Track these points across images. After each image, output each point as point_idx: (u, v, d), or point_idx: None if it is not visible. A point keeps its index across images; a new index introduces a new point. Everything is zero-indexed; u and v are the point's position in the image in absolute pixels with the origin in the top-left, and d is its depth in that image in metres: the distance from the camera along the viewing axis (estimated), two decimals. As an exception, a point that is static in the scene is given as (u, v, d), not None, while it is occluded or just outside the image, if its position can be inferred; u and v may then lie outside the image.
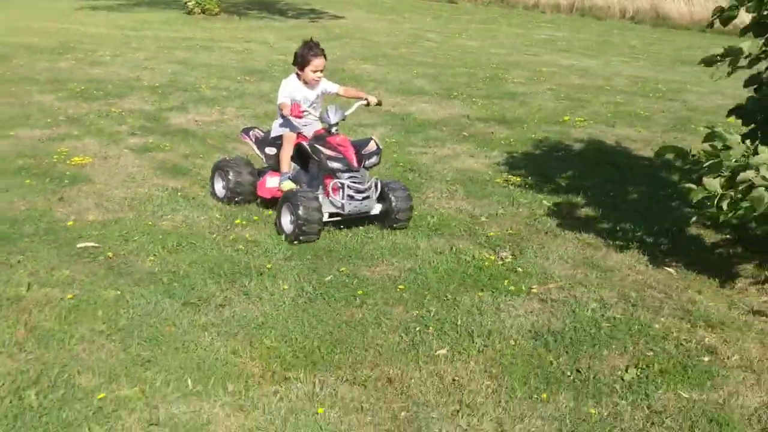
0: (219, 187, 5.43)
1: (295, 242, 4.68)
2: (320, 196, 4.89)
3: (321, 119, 5.05)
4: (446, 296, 4.04)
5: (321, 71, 5.16)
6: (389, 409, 3.01)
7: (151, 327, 3.56)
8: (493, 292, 4.09)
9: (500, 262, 4.49)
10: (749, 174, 3.75)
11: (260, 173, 5.41)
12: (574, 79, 11.08)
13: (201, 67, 10.83)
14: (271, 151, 5.30)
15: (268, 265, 4.34)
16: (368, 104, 5.27)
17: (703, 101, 9.68)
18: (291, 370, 3.25)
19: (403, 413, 3.00)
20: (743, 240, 4.86)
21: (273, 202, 5.13)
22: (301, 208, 4.65)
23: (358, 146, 4.95)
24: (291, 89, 5.14)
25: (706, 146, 3.93)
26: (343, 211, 4.85)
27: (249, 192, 5.35)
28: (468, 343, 3.53)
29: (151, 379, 3.14)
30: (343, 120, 4.98)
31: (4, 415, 2.87)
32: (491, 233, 4.97)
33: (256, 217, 5.13)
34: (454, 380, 3.24)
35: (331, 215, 4.89)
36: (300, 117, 4.98)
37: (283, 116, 5.11)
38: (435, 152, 6.98)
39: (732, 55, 4.29)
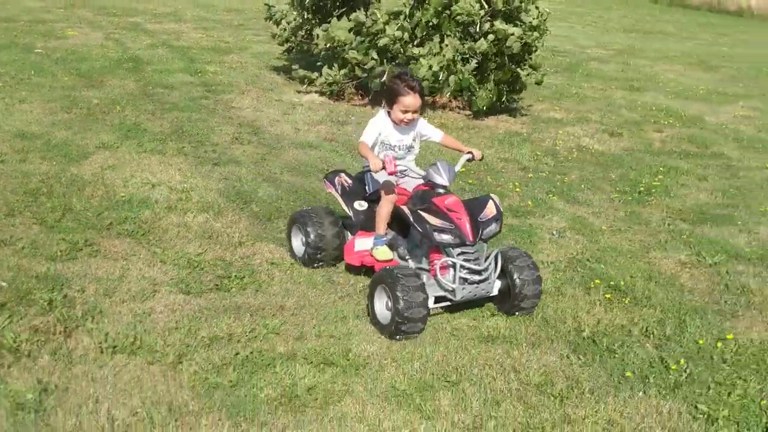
0: (297, 243, 4.72)
1: (395, 338, 3.88)
2: (425, 275, 4.09)
3: (427, 179, 4.21)
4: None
5: (414, 112, 4.29)
6: None
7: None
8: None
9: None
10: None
11: (346, 226, 4.67)
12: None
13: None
14: (361, 206, 4.48)
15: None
16: (473, 159, 4.47)
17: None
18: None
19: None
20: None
21: (362, 270, 4.53)
22: (401, 296, 3.80)
23: (473, 210, 4.11)
24: (381, 130, 4.32)
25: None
26: (455, 297, 4.04)
27: (333, 252, 4.59)
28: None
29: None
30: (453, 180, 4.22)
31: None
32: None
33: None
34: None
35: (437, 299, 4.07)
36: (394, 173, 4.13)
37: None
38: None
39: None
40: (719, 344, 4.13)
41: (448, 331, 4.11)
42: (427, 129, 4.53)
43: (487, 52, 8.13)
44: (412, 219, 4.02)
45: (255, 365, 3.58)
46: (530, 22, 8.14)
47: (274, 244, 4.97)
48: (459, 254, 4.03)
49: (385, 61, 8.11)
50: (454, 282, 4.00)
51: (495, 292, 4.18)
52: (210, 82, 9.47)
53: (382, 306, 3.99)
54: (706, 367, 3.90)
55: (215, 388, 3.38)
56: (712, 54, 16.57)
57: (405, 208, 4.12)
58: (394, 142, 4.37)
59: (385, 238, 4.39)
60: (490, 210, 4.14)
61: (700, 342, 4.16)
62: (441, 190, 4.14)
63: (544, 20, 8.60)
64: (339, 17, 9.41)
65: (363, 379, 3.56)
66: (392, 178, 4.30)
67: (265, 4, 9.42)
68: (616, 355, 3.96)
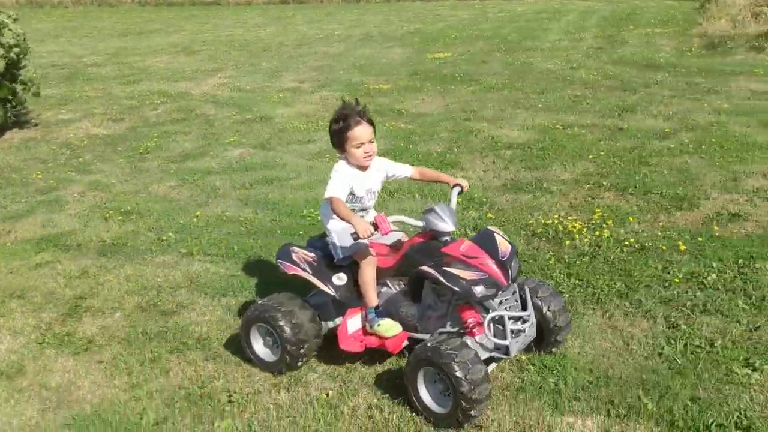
0: (258, 346, 3.89)
1: (463, 429, 3.30)
2: (469, 341, 3.46)
3: (427, 227, 3.59)
4: None
5: (370, 142, 3.69)
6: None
7: None
8: None
9: None
10: None
11: (317, 307, 3.88)
12: None
13: None
14: (340, 280, 3.80)
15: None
16: (462, 191, 3.91)
17: None
18: None
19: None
20: None
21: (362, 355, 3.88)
22: (462, 378, 3.18)
23: (489, 250, 3.54)
24: (348, 179, 3.69)
25: None
26: (508, 355, 3.47)
27: (315, 340, 3.81)
28: None
29: None
30: None
31: None
32: None
33: None
34: None
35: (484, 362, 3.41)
36: (388, 232, 3.46)
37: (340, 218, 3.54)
38: None
39: None
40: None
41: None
42: (395, 168, 3.94)
43: (-24, 74, 9.15)
44: (443, 279, 3.38)
45: None
46: (8, 43, 9.36)
47: None
48: (499, 304, 3.54)
49: None
50: (504, 338, 3.44)
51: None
52: None
53: (426, 392, 3.37)
54: (190, 233, 6.12)
55: None
56: (195, 41, 19.45)
57: (429, 269, 3.44)
58: (363, 192, 3.78)
59: (379, 309, 3.75)
60: (504, 246, 3.59)
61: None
62: (447, 238, 3.57)
63: (23, 40, 9.87)
64: None
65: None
66: (379, 238, 3.65)
67: None
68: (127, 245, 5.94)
